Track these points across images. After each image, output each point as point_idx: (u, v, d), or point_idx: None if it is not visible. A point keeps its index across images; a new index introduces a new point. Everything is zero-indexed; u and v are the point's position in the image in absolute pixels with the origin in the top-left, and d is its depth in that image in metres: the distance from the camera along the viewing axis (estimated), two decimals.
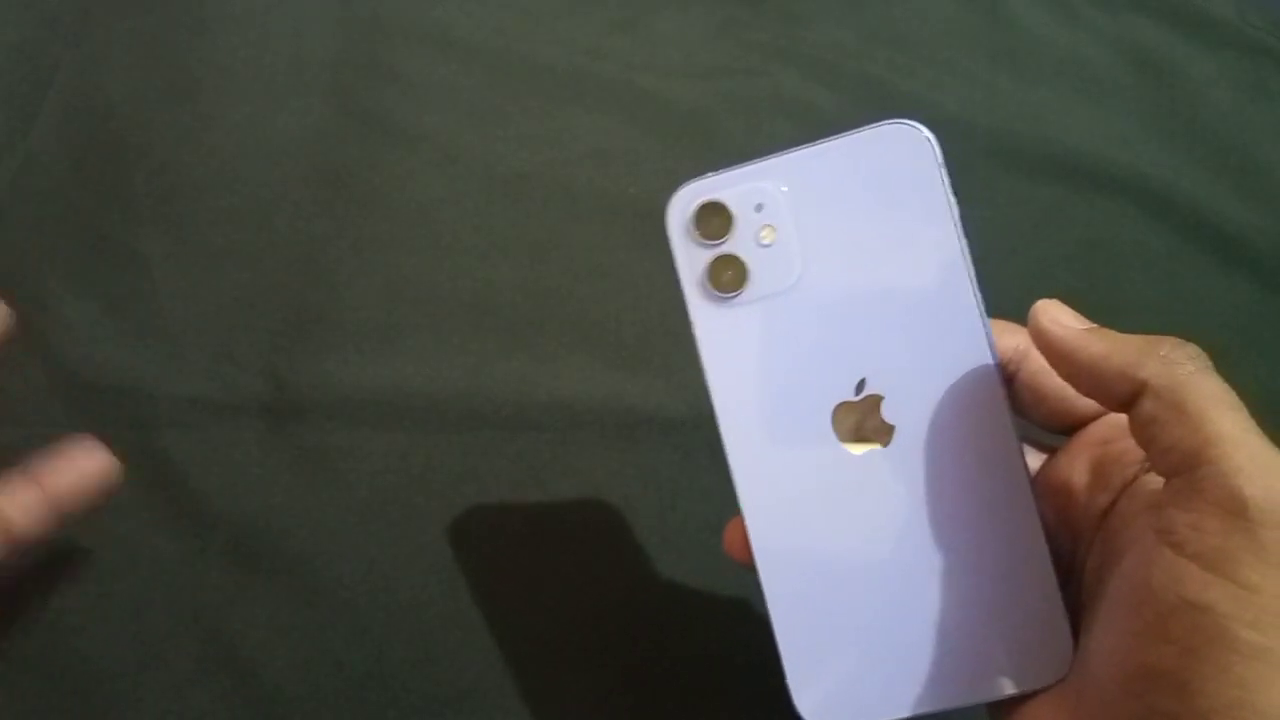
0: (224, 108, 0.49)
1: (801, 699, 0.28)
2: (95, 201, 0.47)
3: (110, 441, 0.42)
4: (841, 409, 0.28)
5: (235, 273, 0.45)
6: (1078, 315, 0.26)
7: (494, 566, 0.40)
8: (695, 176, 0.29)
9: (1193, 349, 0.24)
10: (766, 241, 0.28)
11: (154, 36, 0.51)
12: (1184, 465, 0.22)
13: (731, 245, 0.28)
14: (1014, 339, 0.28)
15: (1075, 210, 0.48)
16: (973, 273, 0.27)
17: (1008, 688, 0.27)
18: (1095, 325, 0.26)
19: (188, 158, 0.48)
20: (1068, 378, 0.26)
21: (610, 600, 0.40)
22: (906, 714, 0.28)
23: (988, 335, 0.27)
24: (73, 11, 0.51)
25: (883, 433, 0.28)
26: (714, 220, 0.28)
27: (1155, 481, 0.25)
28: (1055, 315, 0.26)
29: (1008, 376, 0.28)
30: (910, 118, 0.28)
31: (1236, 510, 0.21)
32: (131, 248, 0.46)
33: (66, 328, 0.44)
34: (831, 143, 0.28)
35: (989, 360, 0.27)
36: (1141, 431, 0.24)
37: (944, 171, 0.27)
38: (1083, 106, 0.50)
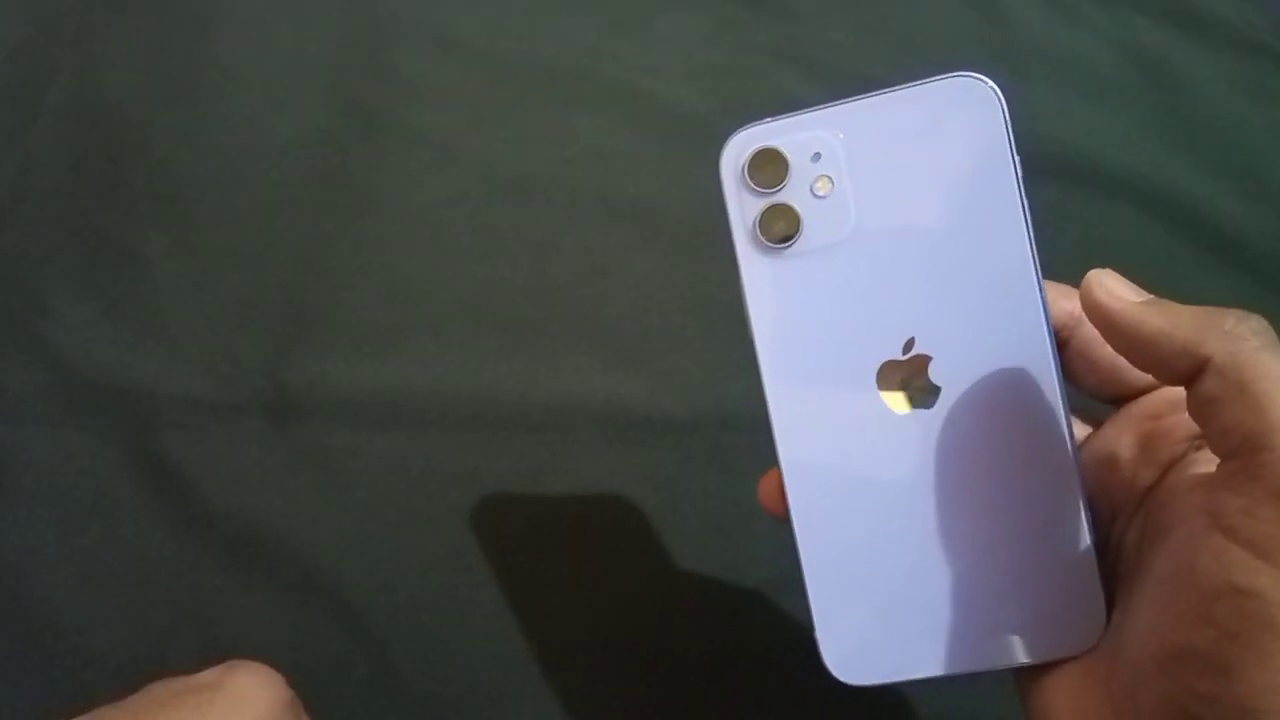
0: (224, 108, 0.49)
1: (829, 652, 0.28)
2: (95, 201, 0.47)
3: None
4: (887, 367, 0.27)
5: (235, 273, 0.45)
6: (1133, 285, 0.25)
7: (494, 566, 0.40)
8: (752, 122, 0.28)
9: (1258, 322, 0.23)
10: (821, 192, 0.27)
11: (154, 36, 0.51)
12: (1242, 449, 0.22)
13: (785, 194, 0.27)
14: (1069, 303, 0.27)
15: (1075, 210, 0.48)
16: (1032, 234, 0.26)
17: (1037, 654, 0.27)
18: (1152, 296, 0.25)
19: (188, 158, 0.48)
20: (1124, 352, 0.25)
21: (609, 600, 0.40)
22: (933, 674, 0.27)
23: (1043, 299, 0.27)
24: (73, 11, 0.51)
25: (928, 394, 0.27)
26: (769, 168, 0.27)
27: (1204, 460, 0.25)
28: (1110, 287, 0.25)
29: (1060, 342, 0.27)
30: None
31: None
32: (131, 248, 0.46)
33: (66, 328, 0.44)
34: (894, 93, 0.27)
35: (1042, 326, 0.27)
36: (1200, 410, 0.23)
37: (1009, 127, 0.26)
38: (1083, 106, 0.50)
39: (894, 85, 0.27)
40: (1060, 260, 0.49)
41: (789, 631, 0.38)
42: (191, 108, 0.49)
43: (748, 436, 0.42)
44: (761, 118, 0.28)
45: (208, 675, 0.31)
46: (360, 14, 0.52)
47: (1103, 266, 0.26)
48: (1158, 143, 0.49)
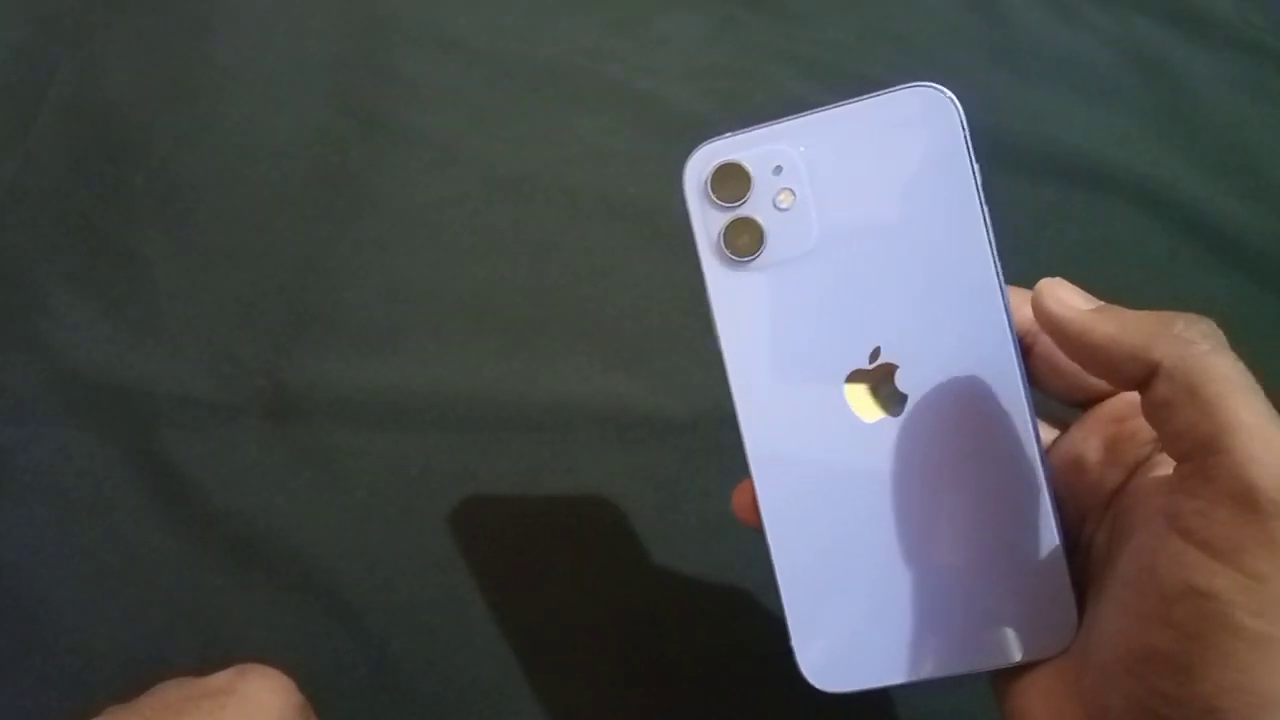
0: (224, 108, 0.49)
1: (805, 660, 0.28)
2: (95, 201, 0.47)
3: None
4: (854, 376, 0.28)
5: (235, 273, 0.45)
6: (1084, 293, 0.26)
7: (494, 566, 0.40)
8: (713, 137, 0.28)
9: (1207, 325, 0.23)
10: (784, 205, 0.28)
11: (154, 36, 0.51)
12: (1196, 451, 0.22)
13: (748, 208, 0.28)
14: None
15: (1075, 210, 0.47)
16: (993, 241, 0.27)
17: (1010, 657, 0.27)
18: (1103, 304, 0.26)
19: (188, 158, 0.48)
20: (1077, 360, 0.25)
21: (609, 599, 0.40)
22: (908, 679, 0.28)
23: (1006, 306, 0.27)
24: (73, 11, 0.51)
25: (895, 401, 0.28)
26: (731, 182, 0.28)
27: (1168, 462, 0.25)
28: (1061, 295, 0.25)
29: (1025, 348, 0.27)
30: None
31: (1248, 501, 0.21)
32: (131, 248, 0.46)
33: (66, 328, 0.44)
34: (853, 105, 0.27)
35: (1006, 332, 0.27)
36: (1154, 414, 0.23)
37: (967, 136, 0.27)
38: (1082, 106, 0.50)
39: (855, 97, 0.27)
40: (1060, 260, 0.49)
41: (788, 632, 0.38)
42: (191, 108, 0.49)
43: None
44: (726, 131, 0.28)
45: (220, 679, 0.31)
46: (360, 14, 0.51)
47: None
48: (1158, 143, 0.49)
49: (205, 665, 0.32)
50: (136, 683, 0.31)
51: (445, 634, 0.39)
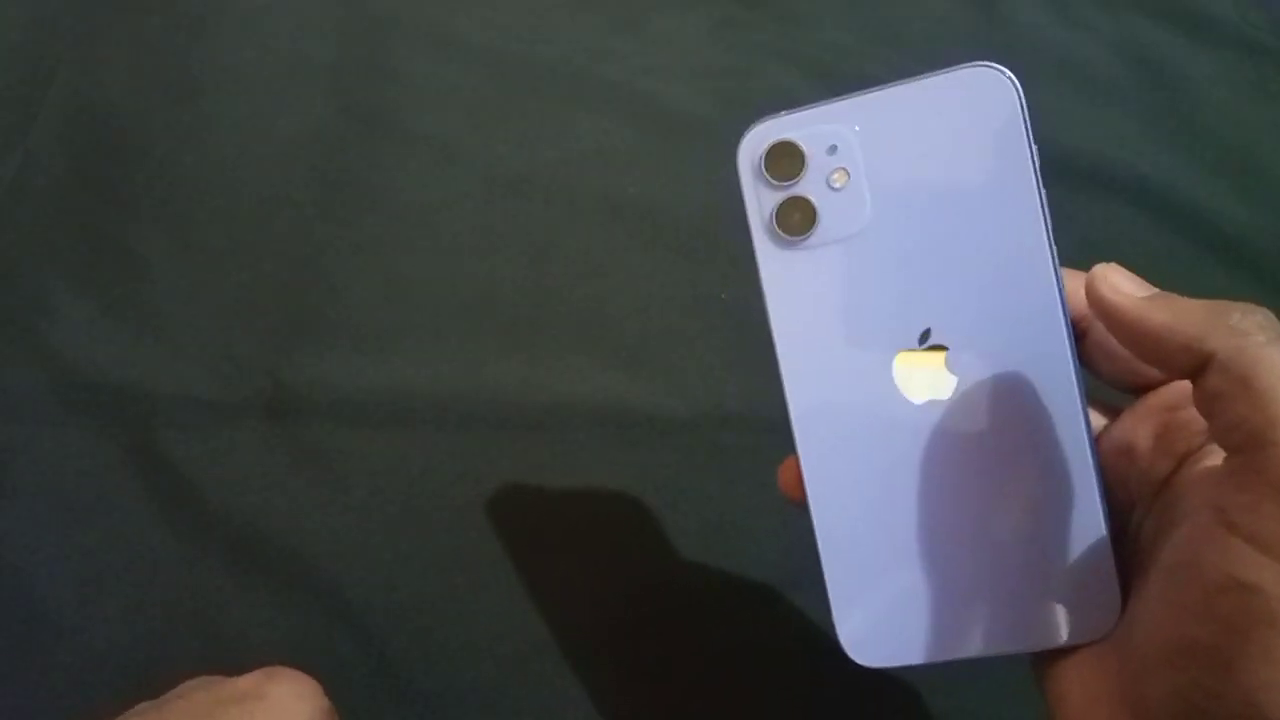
0: (224, 108, 0.49)
1: (845, 634, 0.28)
2: (95, 201, 0.47)
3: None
4: (904, 357, 0.28)
5: (235, 273, 0.45)
6: (1139, 279, 0.26)
7: (493, 566, 0.40)
8: (769, 115, 0.28)
9: (1263, 316, 0.23)
10: (838, 185, 0.27)
11: (154, 36, 0.51)
12: (1247, 444, 0.22)
13: (802, 187, 0.28)
14: None
15: (1075, 210, 0.47)
16: (1050, 225, 0.27)
17: (1051, 640, 0.27)
18: (1157, 291, 0.25)
19: (188, 158, 0.48)
20: (1129, 348, 0.25)
21: (609, 599, 0.40)
22: (948, 658, 0.28)
23: (1060, 290, 0.27)
24: (73, 11, 0.51)
25: (944, 383, 0.27)
26: (785, 161, 0.28)
27: (1219, 452, 0.25)
28: (1115, 282, 0.25)
29: (1080, 333, 0.27)
30: None
31: None
32: (131, 248, 0.46)
33: (66, 328, 0.44)
34: (910, 84, 0.27)
35: (1059, 316, 0.27)
36: (1206, 405, 0.23)
37: (1026, 117, 0.26)
38: (1083, 106, 0.50)
39: (912, 77, 0.27)
40: (1060, 260, 0.49)
41: (789, 631, 0.38)
42: (191, 108, 0.49)
43: (748, 436, 0.42)
44: (769, 112, 0.28)
45: (247, 682, 0.30)
46: (360, 14, 0.52)
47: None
48: (1158, 143, 0.49)
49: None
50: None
51: (445, 634, 0.39)
